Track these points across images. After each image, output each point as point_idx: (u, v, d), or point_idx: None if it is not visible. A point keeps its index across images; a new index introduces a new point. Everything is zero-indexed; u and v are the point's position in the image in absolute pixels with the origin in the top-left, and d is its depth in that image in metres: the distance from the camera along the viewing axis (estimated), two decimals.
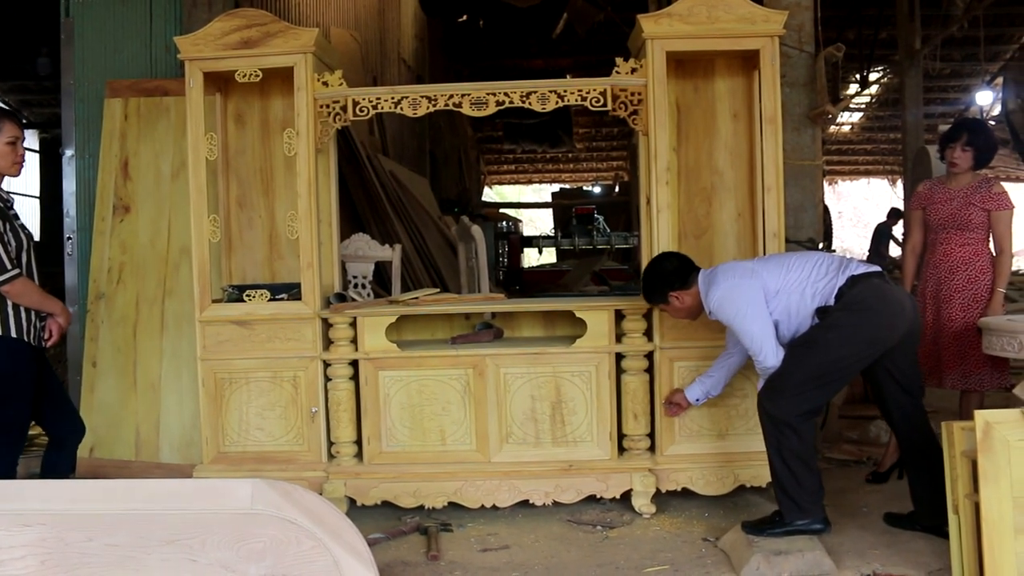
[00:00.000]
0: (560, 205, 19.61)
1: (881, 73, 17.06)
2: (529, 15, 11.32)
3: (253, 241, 4.68)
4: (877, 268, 3.68)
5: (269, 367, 4.25)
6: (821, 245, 5.23)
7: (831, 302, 3.56)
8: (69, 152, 5.40)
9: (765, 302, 3.60)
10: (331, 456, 4.29)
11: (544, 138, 18.58)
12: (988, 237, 4.42)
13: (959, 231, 4.40)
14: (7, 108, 3.93)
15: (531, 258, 19.04)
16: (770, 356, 3.59)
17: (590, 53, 15.17)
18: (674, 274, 3.81)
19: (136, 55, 5.30)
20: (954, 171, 4.42)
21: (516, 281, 14.34)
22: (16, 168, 3.73)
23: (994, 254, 4.43)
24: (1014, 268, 15.13)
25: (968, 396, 4.44)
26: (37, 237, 5.26)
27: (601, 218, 16.67)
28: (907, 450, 3.82)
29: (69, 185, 5.39)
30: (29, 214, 13.90)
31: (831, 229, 12.15)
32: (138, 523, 2.70)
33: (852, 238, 25.84)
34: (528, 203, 24.63)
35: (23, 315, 3.64)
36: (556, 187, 24.34)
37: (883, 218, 14.79)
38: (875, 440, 5.24)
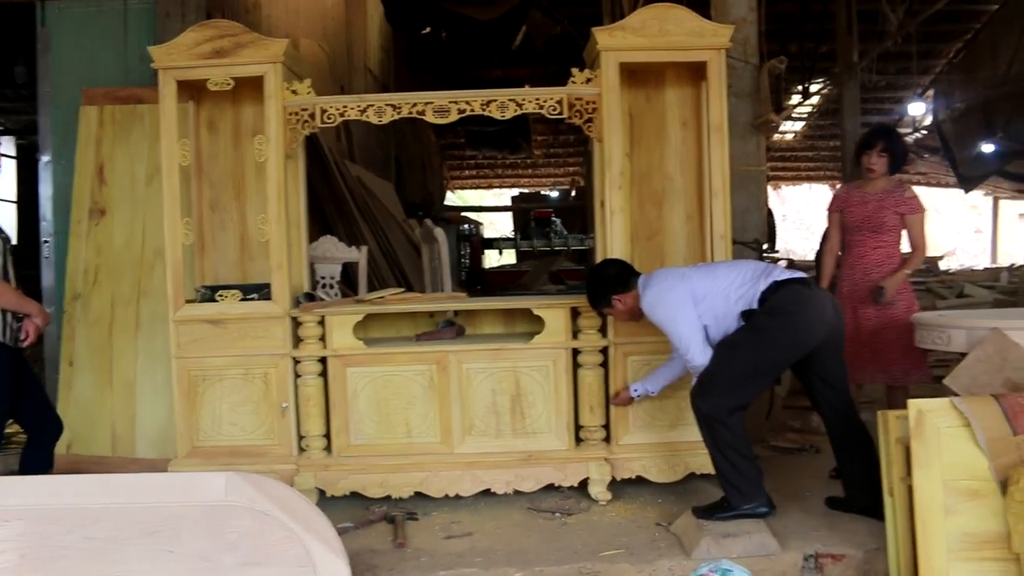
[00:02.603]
0: (519, 209, 19.70)
1: (822, 85, 17.47)
2: (489, 28, 11.40)
3: (225, 243, 4.75)
4: (801, 275, 3.85)
5: (241, 364, 4.33)
6: (766, 246, 5.38)
7: (755, 306, 3.72)
8: (46, 158, 5.46)
9: (693, 306, 3.77)
10: (301, 449, 4.38)
11: (504, 145, 18.61)
12: (900, 239, 4.59)
13: (873, 233, 4.57)
14: None
15: (492, 259, 19.15)
16: (697, 356, 3.77)
17: (548, 64, 15.19)
18: (616, 278, 3.99)
19: (111, 64, 5.35)
20: (871, 176, 4.59)
21: (478, 281, 14.47)
22: None
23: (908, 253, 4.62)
24: (944, 268, 15.50)
25: (894, 391, 4.62)
26: (15, 240, 5.33)
27: (558, 221, 16.78)
28: (837, 440, 3.98)
29: (46, 190, 5.44)
30: (6, 218, 13.74)
31: (775, 231, 12.37)
32: (115, 516, 2.76)
33: (796, 240, 26.13)
34: (489, 207, 24.62)
35: (0, 316, 3.73)
36: (516, 191, 24.42)
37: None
38: (816, 429, 5.38)
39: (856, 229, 4.65)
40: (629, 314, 4.01)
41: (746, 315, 3.75)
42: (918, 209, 4.58)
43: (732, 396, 3.73)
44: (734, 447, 3.76)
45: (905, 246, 4.69)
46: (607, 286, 4.00)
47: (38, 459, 3.99)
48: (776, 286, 3.73)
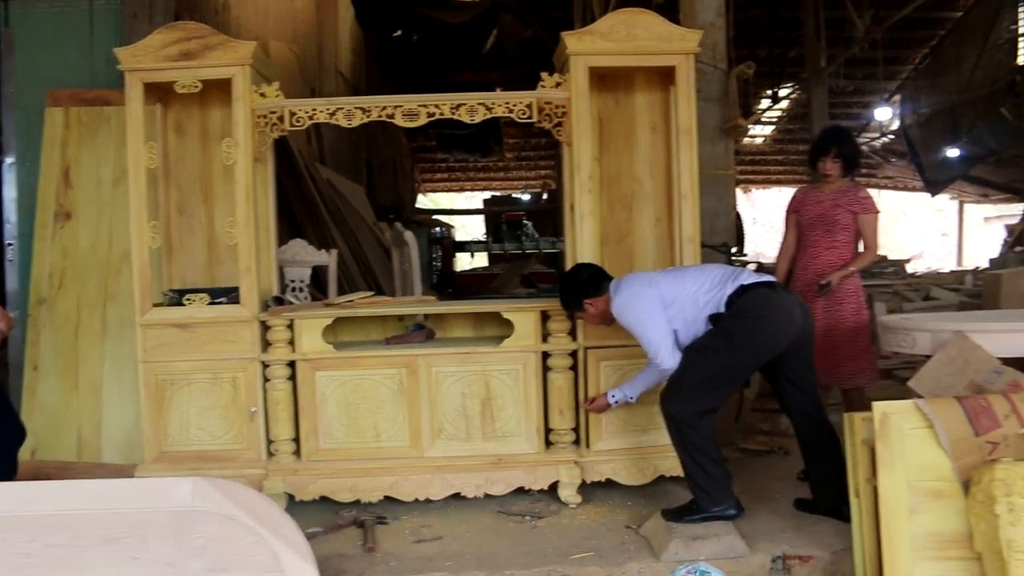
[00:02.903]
0: (491, 212, 19.81)
1: (790, 89, 17.80)
2: (460, 31, 11.45)
3: (193, 247, 4.72)
4: (769, 278, 3.87)
5: (209, 369, 4.31)
6: (735, 249, 5.42)
7: (722, 310, 3.75)
8: (10, 160, 5.39)
9: (663, 310, 3.80)
10: (270, 454, 4.36)
11: (475, 148, 18.64)
12: (853, 240, 4.62)
13: (827, 232, 4.60)
14: None
15: (463, 262, 19.20)
16: (666, 359, 3.79)
17: (519, 67, 15.27)
18: (587, 282, 4.00)
19: (77, 65, 5.29)
20: (828, 180, 4.65)
21: (449, 284, 14.52)
22: None
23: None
24: (911, 271, 15.69)
25: (848, 392, 4.65)
26: None
27: (530, 224, 16.91)
28: (805, 442, 4.00)
29: (10, 192, 5.37)
30: None
31: (744, 234, 12.50)
32: (79, 523, 2.73)
33: (765, 242, 26.39)
34: (460, 210, 24.69)
35: None
36: (487, 194, 24.62)
37: None
38: (785, 431, 5.40)
39: (810, 228, 4.68)
40: (600, 318, 4.02)
41: (713, 319, 3.78)
42: (871, 210, 4.61)
43: (700, 400, 3.75)
44: (703, 451, 3.78)
45: (861, 249, 4.71)
46: (579, 290, 4.02)
47: (1, 466, 3.93)
48: (743, 290, 3.75)
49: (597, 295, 3.98)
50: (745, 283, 3.78)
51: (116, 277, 4.98)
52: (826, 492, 3.94)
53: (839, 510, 3.83)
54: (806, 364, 3.93)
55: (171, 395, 4.33)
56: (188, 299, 4.35)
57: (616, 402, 4.20)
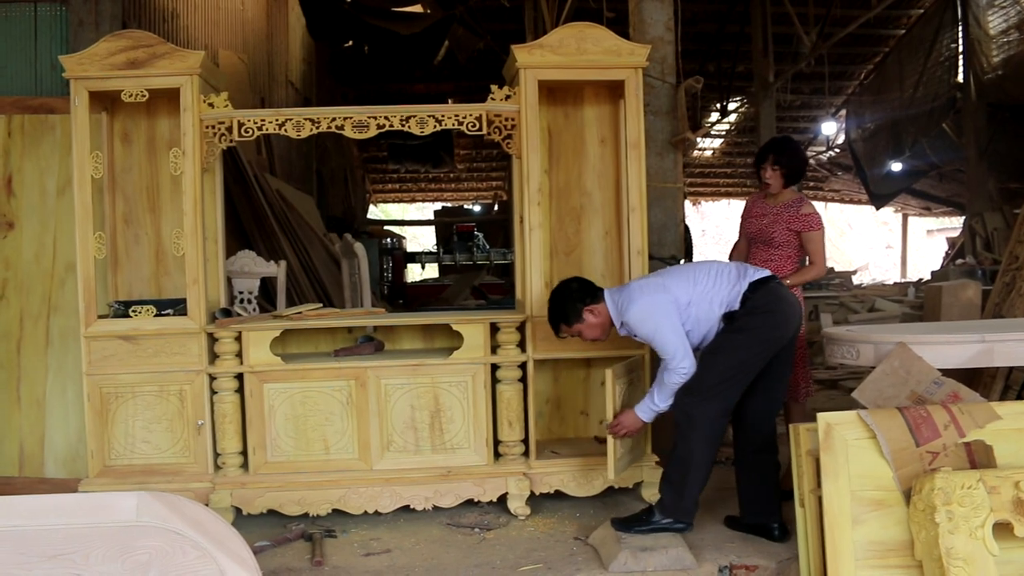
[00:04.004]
0: (442, 222, 19.86)
1: (739, 103, 18.11)
2: (412, 42, 11.45)
3: (139, 257, 4.68)
4: (767, 272, 3.88)
5: (155, 381, 4.27)
6: (683, 261, 5.46)
7: (736, 307, 3.75)
8: None
9: (678, 314, 3.77)
10: (217, 467, 4.32)
11: (427, 158, 18.69)
12: (793, 255, 4.53)
13: (765, 246, 4.55)
14: None
15: (415, 273, 19.21)
16: (688, 363, 3.74)
17: (470, 79, 15.40)
18: (582, 290, 3.91)
19: (20, 72, 5.22)
20: (768, 190, 4.55)
21: (400, 295, 14.52)
22: None
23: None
24: (857, 282, 15.96)
25: (787, 405, 4.59)
26: None
27: (481, 235, 16.98)
28: (745, 450, 3.96)
29: None
30: None
31: (691, 246, 12.64)
32: (19, 540, 2.67)
33: (714, 253, 26.71)
34: (412, 220, 24.79)
35: None
36: (438, 205, 24.66)
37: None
38: (730, 441, 5.43)
39: (752, 241, 4.66)
40: (601, 328, 3.93)
41: (727, 317, 3.78)
42: (814, 227, 4.48)
43: (719, 398, 3.74)
44: (699, 464, 3.77)
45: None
46: (577, 298, 3.89)
47: None
48: (753, 286, 3.77)
49: (595, 302, 3.89)
50: (754, 279, 3.79)
51: (60, 288, 4.89)
52: (756, 508, 3.95)
53: (766, 527, 3.88)
54: (787, 365, 3.92)
55: (116, 408, 4.28)
56: (134, 311, 4.31)
57: (649, 418, 3.97)
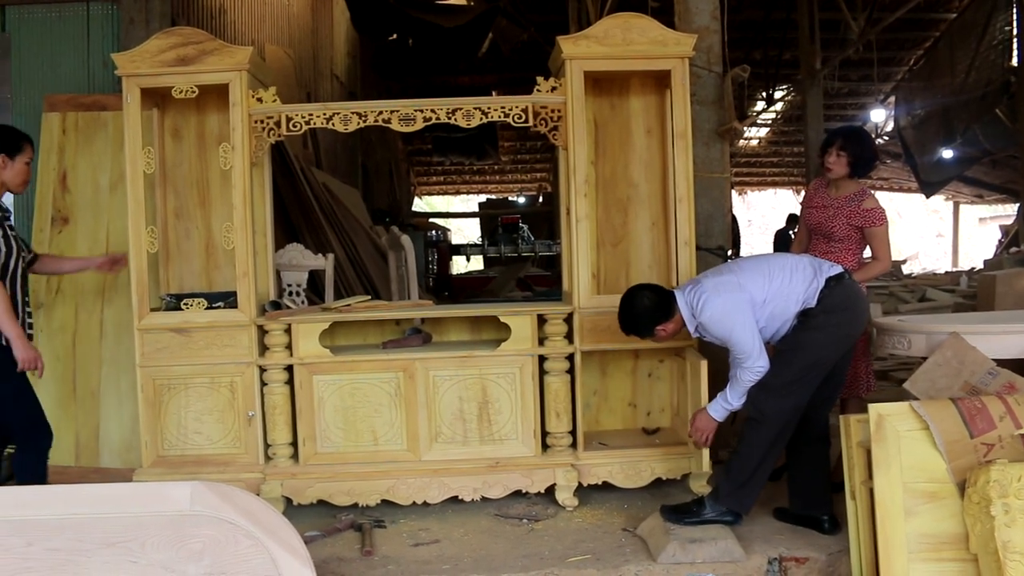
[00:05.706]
0: (487, 215, 19.77)
1: (785, 91, 17.85)
2: (456, 35, 11.47)
3: (190, 251, 4.73)
4: (840, 268, 3.83)
5: (207, 373, 4.32)
6: (730, 252, 5.41)
7: (812, 304, 3.72)
8: None
9: (753, 313, 3.72)
10: (268, 458, 4.36)
11: (471, 151, 18.69)
12: (854, 248, 4.36)
13: (825, 240, 4.39)
14: (24, 132, 4.04)
15: (459, 265, 19.23)
16: (763, 362, 3.70)
17: (515, 71, 15.37)
18: (656, 309, 3.83)
19: (74, 70, 5.30)
20: (829, 176, 4.35)
21: (445, 287, 14.54)
22: (24, 187, 3.92)
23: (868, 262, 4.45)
24: (907, 272, 15.67)
25: (845, 401, 4.45)
26: None
27: (525, 227, 16.92)
28: (798, 441, 3.89)
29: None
30: None
31: (739, 236, 12.51)
32: (78, 527, 2.72)
33: (761, 244, 26.46)
34: (456, 213, 24.79)
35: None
36: (483, 197, 24.59)
37: (783, 224, 15.18)
38: None
39: (811, 232, 4.52)
40: (670, 337, 3.93)
41: (802, 314, 3.74)
42: (878, 222, 4.28)
43: (793, 396, 3.71)
44: (763, 462, 3.77)
45: (868, 253, 4.50)
46: (650, 319, 3.85)
47: (38, 469, 3.93)
48: (829, 282, 3.73)
49: (668, 318, 3.84)
50: (830, 275, 3.76)
51: (113, 282, 4.98)
52: (806, 499, 3.93)
53: (816, 519, 3.85)
54: (847, 358, 3.90)
55: (169, 399, 4.33)
56: (186, 303, 4.35)
57: (722, 417, 3.92)
